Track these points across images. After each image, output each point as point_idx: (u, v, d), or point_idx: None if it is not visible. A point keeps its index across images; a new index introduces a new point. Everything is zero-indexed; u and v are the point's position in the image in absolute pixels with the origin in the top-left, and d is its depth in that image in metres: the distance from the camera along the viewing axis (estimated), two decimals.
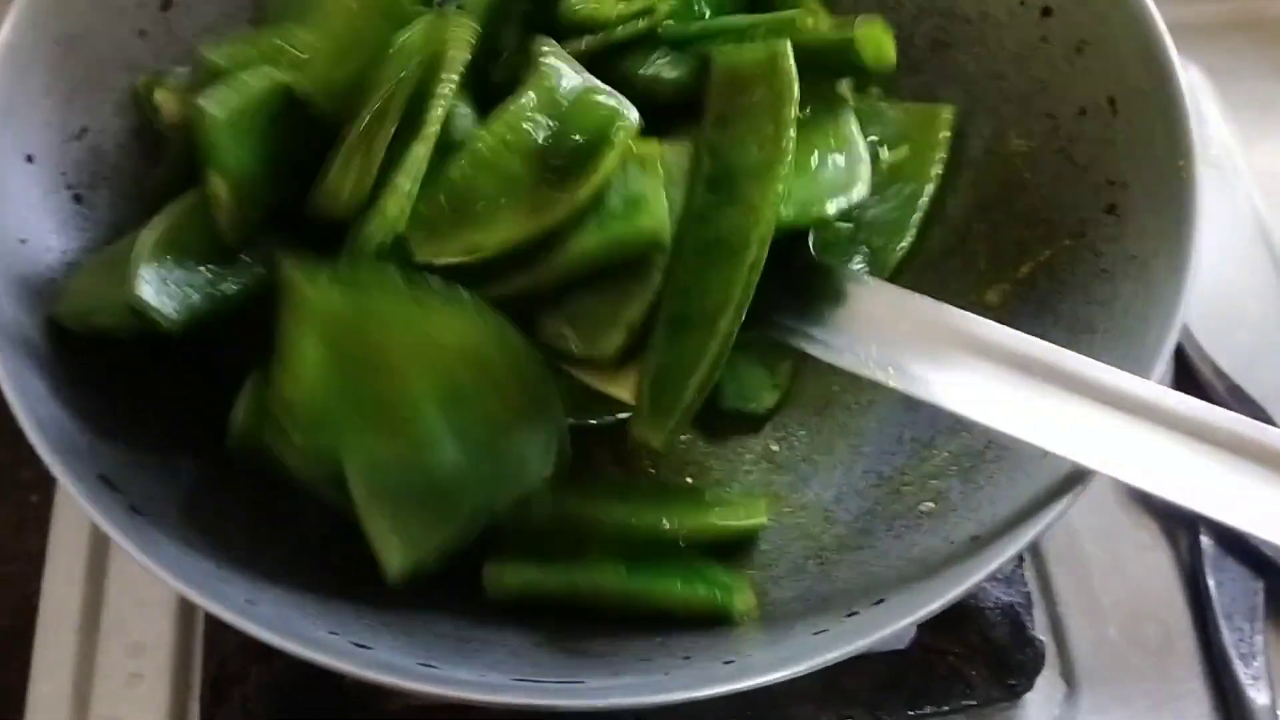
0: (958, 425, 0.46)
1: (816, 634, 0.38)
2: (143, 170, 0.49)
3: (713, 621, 0.41)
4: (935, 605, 0.36)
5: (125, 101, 0.48)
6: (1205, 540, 0.54)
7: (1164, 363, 0.40)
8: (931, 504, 0.44)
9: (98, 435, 0.40)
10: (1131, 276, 0.44)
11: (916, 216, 0.49)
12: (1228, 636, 0.52)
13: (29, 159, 0.44)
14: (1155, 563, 0.55)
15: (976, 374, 0.38)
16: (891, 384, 0.39)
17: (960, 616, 0.50)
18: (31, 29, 0.45)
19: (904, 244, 0.48)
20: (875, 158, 0.46)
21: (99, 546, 0.53)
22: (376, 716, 0.47)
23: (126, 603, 0.51)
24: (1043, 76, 0.50)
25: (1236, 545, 0.54)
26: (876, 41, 0.44)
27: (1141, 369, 0.39)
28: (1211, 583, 0.53)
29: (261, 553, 0.40)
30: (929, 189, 0.49)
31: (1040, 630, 0.52)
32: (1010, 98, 0.51)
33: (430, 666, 0.37)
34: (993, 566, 0.36)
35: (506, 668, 0.38)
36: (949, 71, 0.53)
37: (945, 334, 0.40)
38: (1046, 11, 0.49)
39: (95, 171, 0.47)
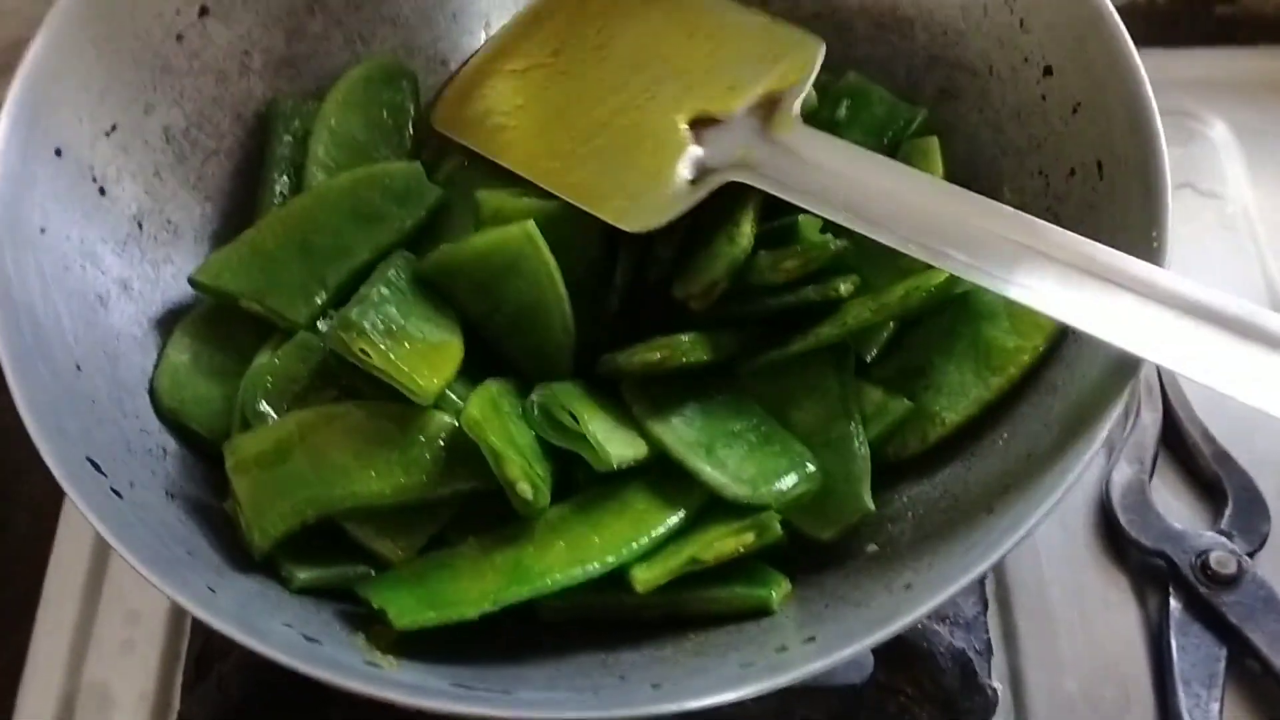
0: (920, 471, 0.48)
1: (744, 666, 0.40)
2: (167, 165, 0.51)
3: (651, 645, 0.43)
4: (850, 651, 0.37)
5: (154, 101, 0.51)
6: (1174, 603, 0.54)
7: (1108, 426, 0.40)
8: (877, 547, 0.45)
9: (90, 420, 0.42)
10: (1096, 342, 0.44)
11: None
12: (1184, 701, 0.52)
13: (58, 152, 0.47)
14: (1122, 622, 0.55)
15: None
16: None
17: (914, 658, 0.51)
18: (71, 28, 0.48)
19: None
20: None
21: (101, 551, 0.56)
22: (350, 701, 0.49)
23: (127, 572, 0.54)
24: (1039, 134, 0.51)
25: (1204, 612, 0.54)
26: None
27: (1089, 436, 0.40)
28: (1175, 645, 0.53)
29: (236, 544, 0.43)
30: None
31: (998, 679, 0.53)
32: (1008, 152, 0.52)
33: (375, 666, 0.39)
34: (920, 613, 0.38)
35: (448, 674, 0.40)
36: (953, 121, 0.54)
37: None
38: (1048, 70, 0.50)
39: (121, 166, 0.50)
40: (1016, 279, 0.42)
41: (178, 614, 0.54)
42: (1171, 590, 0.55)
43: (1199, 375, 0.39)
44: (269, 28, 0.55)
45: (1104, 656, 0.54)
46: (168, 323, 0.49)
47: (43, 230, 0.45)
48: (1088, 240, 0.42)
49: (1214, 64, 0.73)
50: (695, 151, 0.50)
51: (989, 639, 0.53)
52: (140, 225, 0.50)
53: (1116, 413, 0.40)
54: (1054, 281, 0.41)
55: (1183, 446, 0.59)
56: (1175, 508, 0.58)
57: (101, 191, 0.49)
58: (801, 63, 0.50)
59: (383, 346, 0.43)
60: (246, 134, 0.55)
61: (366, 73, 0.55)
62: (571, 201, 0.49)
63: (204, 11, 0.52)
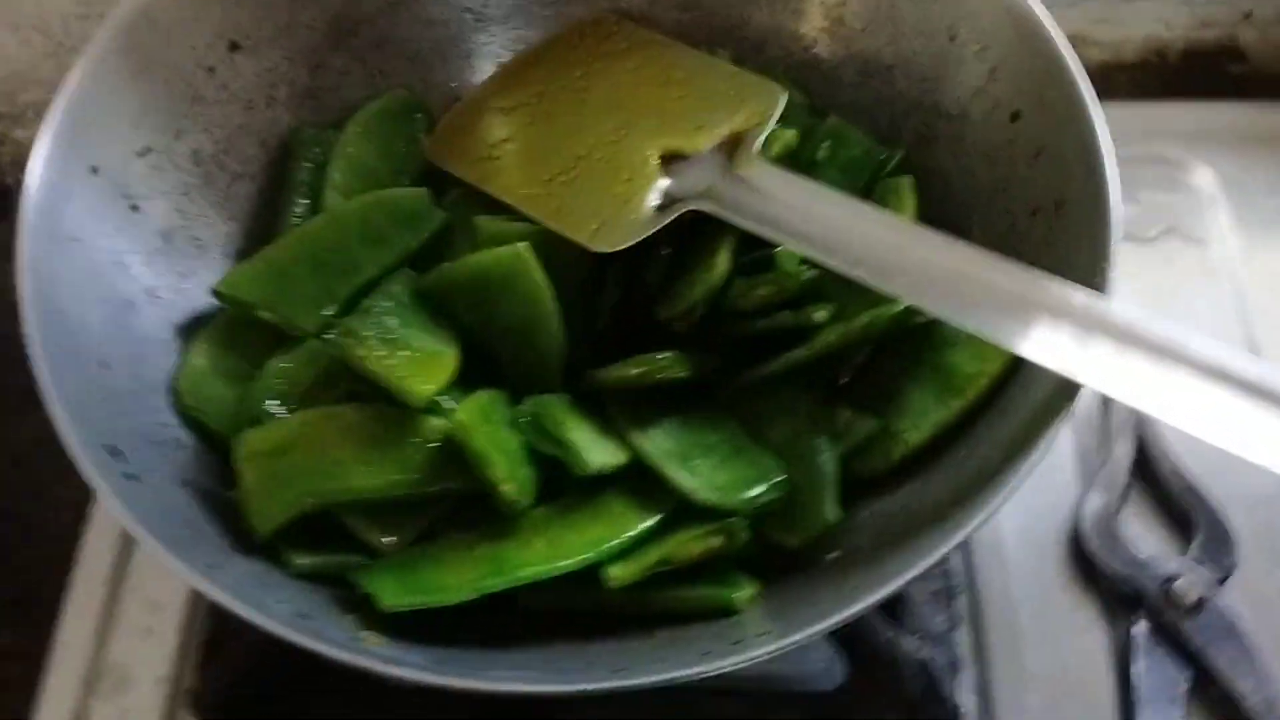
0: (883, 487, 0.50)
1: (703, 655, 0.42)
2: (195, 187, 0.56)
3: (619, 639, 0.46)
4: (790, 640, 0.40)
5: (185, 127, 0.55)
6: (1140, 627, 0.57)
7: (1044, 451, 0.43)
8: (840, 553, 0.48)
9: (113, 411, 0.46)
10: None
11: None
12: None
13: (94, 170, 0.51)
14: (1090, 643, 0.57)
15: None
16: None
17: (884, 666, 0.54)
18: (111, 58, 0.52)
19: None
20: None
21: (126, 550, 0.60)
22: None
23: (150, 567, 0.58)
24: (1006, 176, 0.54)
25: (1169, 636, 0.56)
26: None
27: (1027, 460, 0.43)
28: (1140, 668, 0.56)
29: (240, 530, 0.46)
30: None
31: (968, 691, 0.55)
32: (978, 193, 0.55)
33: (359, 642, 0.42)
34: (857, 609, 0.40)
35: (427, 653, 0.43)
36: (930, 165, 0.57)
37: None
38: (1015, 115, 0.53)
39: (153, 186, 0.54)
40: (958, 307, 0.45)
41: (194, 603, 0.58)
42: (1137, 615, 0.57)
43: (1127, 399, 0.42)
44: (294, 63, 0.59)
45: (1071, 676, 0.56)
46: (190, 329, 0.53)
47: (77, 240, 0.49)
48: (1031, 269, 0.45)
49: (1205, 114, 0.76)
50: (664, 183, 0.54)
51: (958, 654, 0.55)
52: (168, 240, 0.54)
53: (1056, 432, 0.43)
54: (994, 310, 0.44)
55: (1154, 479, 0.61)
56: (1145, 538, 0.60)
57: (133, 208, 0.53)
58: (764, 107, 0.54)
59: (379, 353, 0.47)
60: (270, 160, 0.59)
61: (384, 106, 0.59)
62: (548, 225, 0.53)
63: (234, 47, 0.57)
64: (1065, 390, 0.44)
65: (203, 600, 0.58)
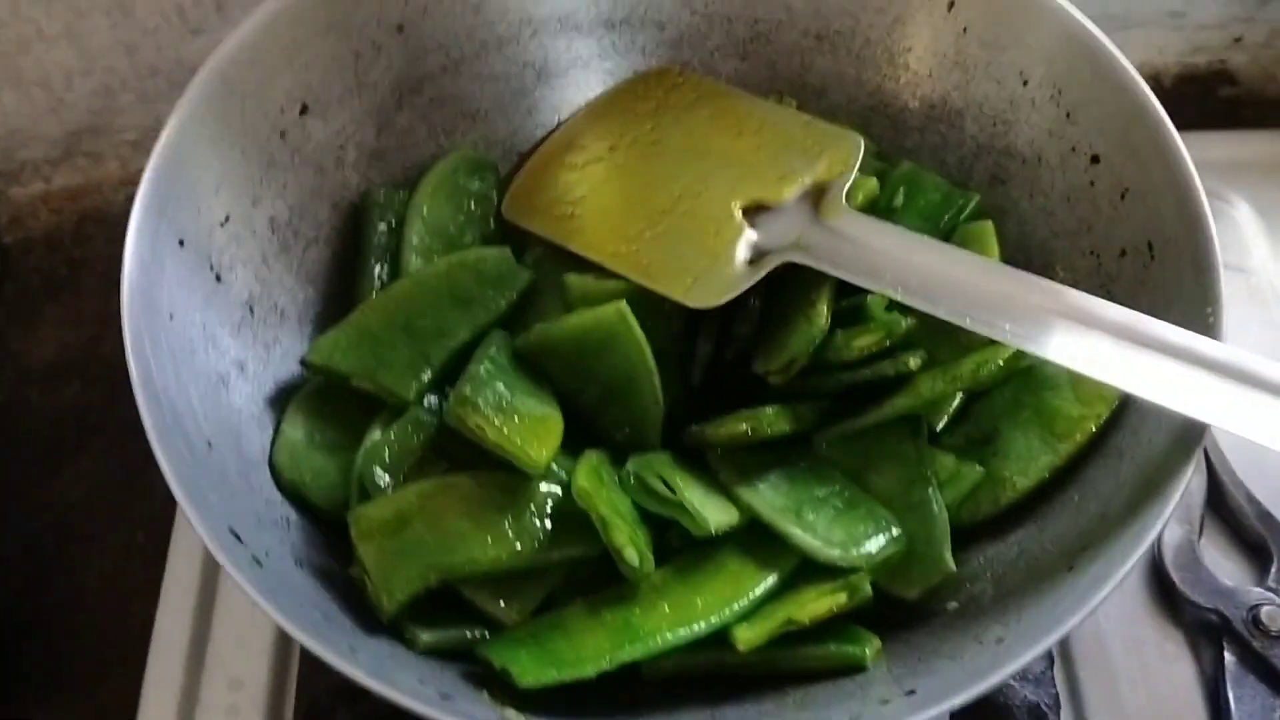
0: (993, 532, 0.51)
1: (853, 718, 0.42)
2: (273, 253, 0.55)
3: (753, 702, 0.45)
4: (958, 700, 0.39)
5: (261, 194, 0.54)
6: (1228, 656, 0.57)
7: (1180, 491, 0.43)
8: (957, 604, 0.48)
9: (225, 493, 0.45)
10: (1157, 410, 0.47)
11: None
12: None
13: (181, 243, 0.50)
14: (1179, 674, 0.58)
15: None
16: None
17: (991, 711, 0.54)
18: (190, 127, 0.51)
19: None
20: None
21: (208, 586, 0.59)
22: None
23: (230, 640, 0.57)
24: (1089, 217, 0.54)
25: (1258, 664, 0.57)
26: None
27: (1162, 498, 0.43)
28: (1231, 697, 0.56)
29: (363, 608, 0.45)
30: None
31: None
32: (1059, 234, 0.56)
33: None
34: (1018, 664, 0.40)
35: None
36: (1004, 205, 0.58)
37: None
38: (1095, 159, 0.54)
39: (234, 255, 0.53)
40: (1062, 346, 0.46)
41: (279, 680, 0.56)
42: (1225, 644, 0.57)
43: (1248, 433, 0.43)
44: (361, 123, 0.58)
45: (1165, 708, 0.57)
46: (279, 400, 0.52)
47: (171, 316, 0.48)
48: (1131, 310, 0.46)
49: (1236, 147, 0.77)
50: (751, 235, 0.54)
51: (1056, 693, 0.55)
52: (251, 310, 0.53)
53: (1188, 475, 0.43)
54: (1098, 349, 0.45)
55: (1227, 509, 0.62)
56: (1224, 566, 0.60)
57: (218, 279, 0.52)
58: (844, 155, 0.55)
59: (496, 422, 0.46)
60: (342, 222, 0.58)
61: (453, 165, 0.59)
62: (640, 283, 0.52)
63: (304, 110, 0.56)
64: (1190, 433, 0.44)
65: (288, 675, 0.57)
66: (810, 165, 0.55)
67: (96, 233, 0.80)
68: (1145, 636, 0.59)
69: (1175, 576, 0.59)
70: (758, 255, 0.53)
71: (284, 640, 0.58)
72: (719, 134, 0.58)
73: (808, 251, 0.51)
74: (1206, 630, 0.59)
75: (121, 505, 0.67)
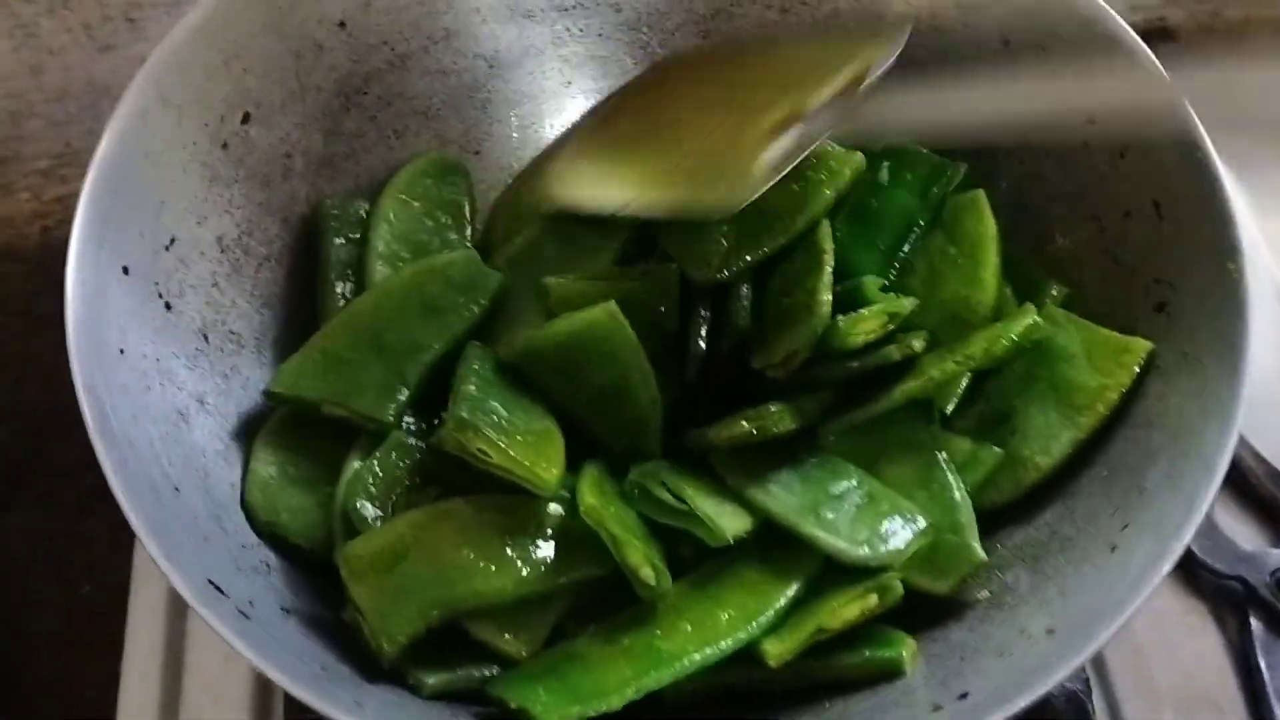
0: (1018, 516, 0.48)
1: None
2: (223, 275, 0.51)
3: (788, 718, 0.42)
4: (1023, 700, 0.37)
5: (206, 212, 0.50)
6: (1255, 623, 0.55)
7: (1227, 458, 0.41)
8: (990, 594, 0.45)
9: (198, 540, 0.41)
10: (1185, 373, 0.45)
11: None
12: None
13: (125, 270, 0.46)
14: (1207, 646, 0.56)
15: None
16: None
17: None
18: (124, 144, 0.47)
19: None
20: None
21: (175, 639, 0.54)
22: None
23: (205, 697, 0.52)
24: (1085, 179, 0.52)
25: None
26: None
27: (1205, 465, 0.41)
28: (1263, 663, 0.54)
29: (361, 655, 0.41)
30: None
31: (1100, 715, 0.53)
32: (1055, 197, 0.53)
33: None
34: (1082, 657, 0.38)
35: None
36: (993, 172, 0.55)
37: None
38: (1090, 120, 0.52)
39: (183, 279, 0.49)
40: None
41: None
42: (1250, 611, 0.56)
43: None
44: (307, 129, 0.54)
45: (1196, 683, 0.55)
46: (245, 434, 0.48)
47: (122, 351, 0.44)
48: None
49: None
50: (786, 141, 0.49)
51: (1087, 677, 0.53)
52: (206, 338, 0.49)
53: (1232, 440, 0.41)
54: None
55: (1235, 470, 0.60)
56: (1240, 530, 0.58)
57: (168, 306, 0.48)
58: (871, 52, 0.50)
59: (501, 444, 0.43)
60: (294, 238, 0.54)
61: (421, 168, 0.55)
62: (680, 213, 0.49)
63: (246, 118, 0.52)
64: (1227, 389, 0.42)
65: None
66: (841, 67, 0.50)
67: (12, 270, 0.74)
68: (1167, 610, 0.57)
69: (1194, 545, 0.57)
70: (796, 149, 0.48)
71: (262, 689, 0.53)
72: (738, 68, 0.54)
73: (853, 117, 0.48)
74: (1230, 599, 0.57)
75: (62, 558, 0.62)
